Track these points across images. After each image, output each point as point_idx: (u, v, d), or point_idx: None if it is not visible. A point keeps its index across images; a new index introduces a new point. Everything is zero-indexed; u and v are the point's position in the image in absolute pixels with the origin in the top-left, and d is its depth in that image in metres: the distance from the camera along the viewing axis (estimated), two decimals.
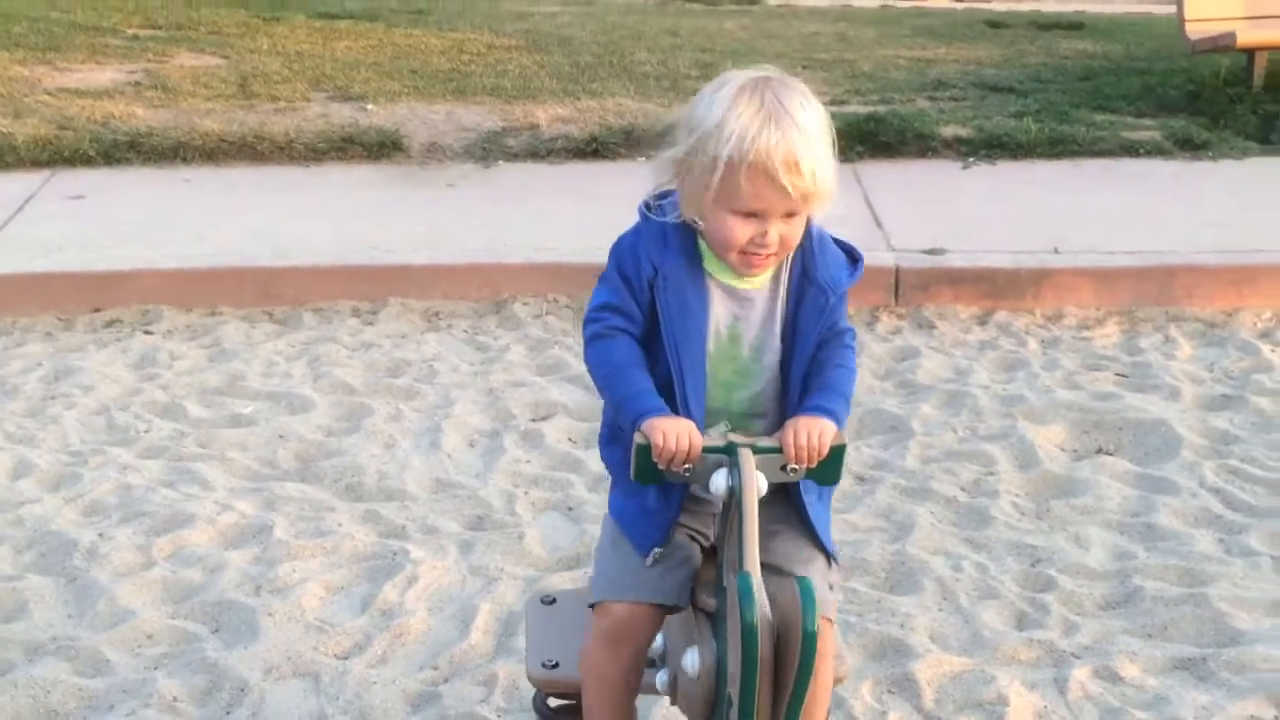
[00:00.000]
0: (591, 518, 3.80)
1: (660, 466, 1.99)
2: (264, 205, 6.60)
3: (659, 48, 10.30)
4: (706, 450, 2.00)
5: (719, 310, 2.11)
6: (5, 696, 2.98)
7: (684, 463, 1.98)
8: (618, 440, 2.17)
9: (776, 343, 2.16)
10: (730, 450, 1.99)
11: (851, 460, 4.22)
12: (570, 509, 3.91)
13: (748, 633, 1.80)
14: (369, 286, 5.65)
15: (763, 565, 1.95)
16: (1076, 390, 4.78)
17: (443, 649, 3.20)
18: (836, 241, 2.23)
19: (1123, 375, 4.96)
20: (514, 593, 3.43)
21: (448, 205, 6.68)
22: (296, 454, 4.26)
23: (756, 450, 1.99)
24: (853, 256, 2.25)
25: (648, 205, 2.15)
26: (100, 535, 3.71)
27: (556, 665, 2.29)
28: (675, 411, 2.06)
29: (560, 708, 2.43)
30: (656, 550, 2.13)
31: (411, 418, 4.53)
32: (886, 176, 7.10)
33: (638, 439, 2.02)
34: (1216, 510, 3.93)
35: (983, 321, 5.50)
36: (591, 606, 2.21)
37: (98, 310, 5.55)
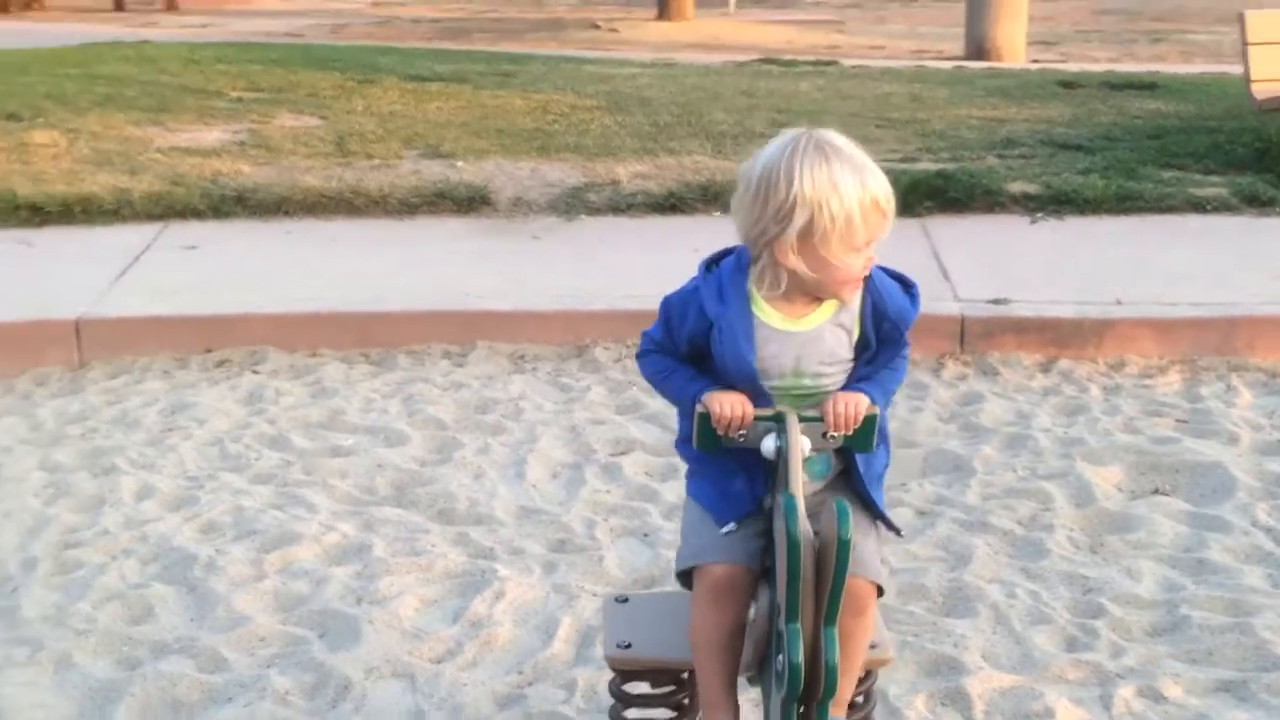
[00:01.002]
0: (666, 544, 4.06)
1: (719, 433, 2.31)
2: (361, 255, 6.99)
3: (735, 108, 10.64)
4: (758, 418, 2.35)
5: (774, 351, 2.42)
6: (136, 687, 3.31)
7: (739, 429, 2.33)
8: (689, 440, 2.47)
9: (848, 359, 2.47)
10: (779, 418, 2.32)
11: (913, 496, 4.46)
12: (646, 535, 4.18)
13: (791, 544, 2.11)
14: (459, 331, 5.99)
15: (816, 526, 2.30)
16: (1136, 434, 4.97)
17: (527, 656, 3.47)
18: (885, 270, 2.50)
19: (1183, 421, 5.14)
20: (593, 608, 3.70)
21: (532, 255, 7.03)
22: (392, 482, 4.58)
23: (801, 419, 2.31)
24: (905, 283, 2.54)
25: (707, 265, 2.47)
26: (217, 550, 4.05)
27: (629, 646, 2.57)
28: None
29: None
30: (732, 525, 2.42)
31: (499, 451, 4.84)
32: (954, 230, 7.34)
33: (698, 409, 2.36)
34: (1267, 548, 4.10)
35: (1046, 369, 5.71)
36: (679, 577, 2.52)
37: (209, 351, 5.94)
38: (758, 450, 2.36)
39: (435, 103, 10.82)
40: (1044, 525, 4.23)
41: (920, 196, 7.65)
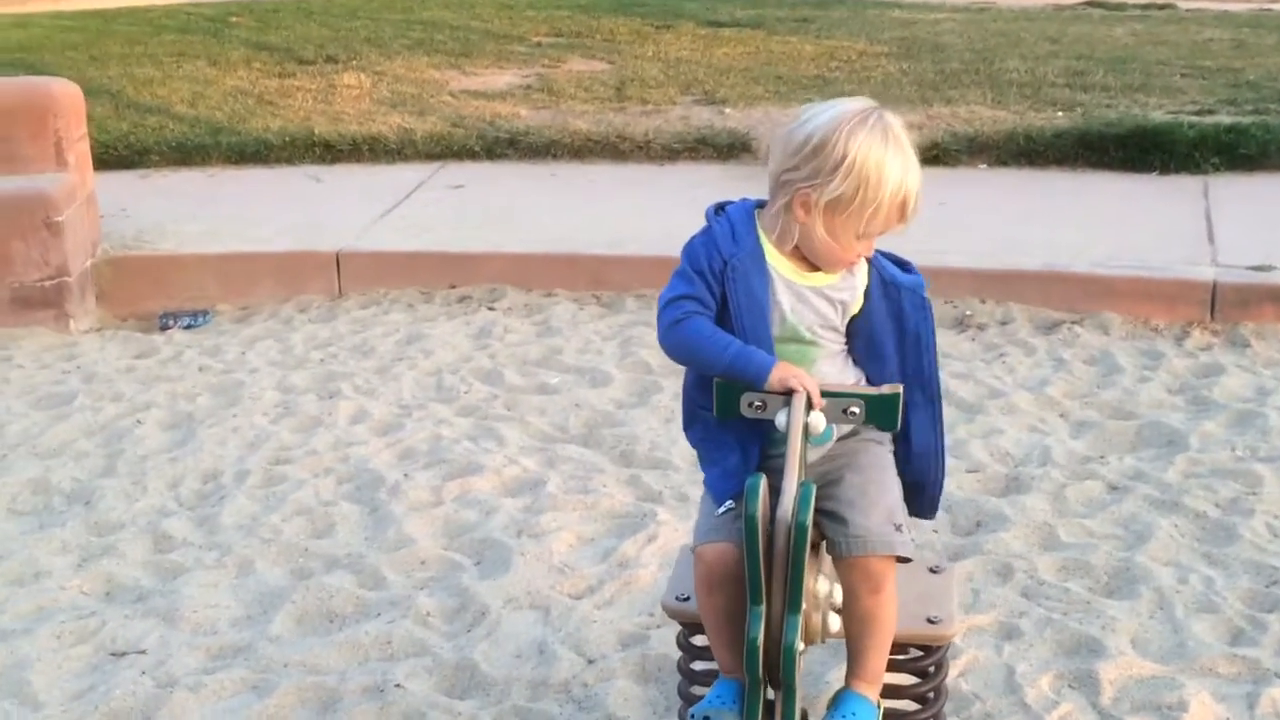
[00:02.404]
0: None
1: (742, 406, 2.28)
2: (614, 199, 7.16)
3: (1032, 55, 10.19)
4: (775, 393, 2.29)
5: (781, 299, 2.38)
6: (298, 594, 3.58)
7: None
8: (695, 420, 2.46)
9: (837, 329, 2.44)
10: (790, 393, 2.27)
11: (1109, 469, 4.24)
12: None
13: (748, 523, 2.07)
14: None
15: (821, 505, 2.28)
16: None
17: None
18: (884, 254, 2.50)
19: None
20: None
21: None
22: (585, 421, 4.72)
23: (825, 394, 2.27)
24: (902, 264, 2.51)
25: (715, 209, 2.45)
26: (405, 475, 4.30)
27: (687, 599, 2.58)
28: None
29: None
30: (729, 503, 2.39)
31: None
32: (1237, 190, 6.82)
33: (718, 380, 2.32)
34: None
35: None
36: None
37: (453, 286, 6.25)
38: (755, 425, 2.33)
39: (724, 49, 10.87)
40: (1244, 510, 3.94)
41: (1206, 152, 7.16)
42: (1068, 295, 5.77)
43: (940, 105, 8.48)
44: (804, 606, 2.22)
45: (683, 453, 4.44)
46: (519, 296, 6.11)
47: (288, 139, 8.25)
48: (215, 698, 3.16)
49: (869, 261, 2.43)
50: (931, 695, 2.58)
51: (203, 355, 5.58)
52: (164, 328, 6.06)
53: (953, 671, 3.15)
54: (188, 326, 6.08)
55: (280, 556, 3.83)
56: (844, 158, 2.27)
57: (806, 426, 2.25)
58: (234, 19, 13.06)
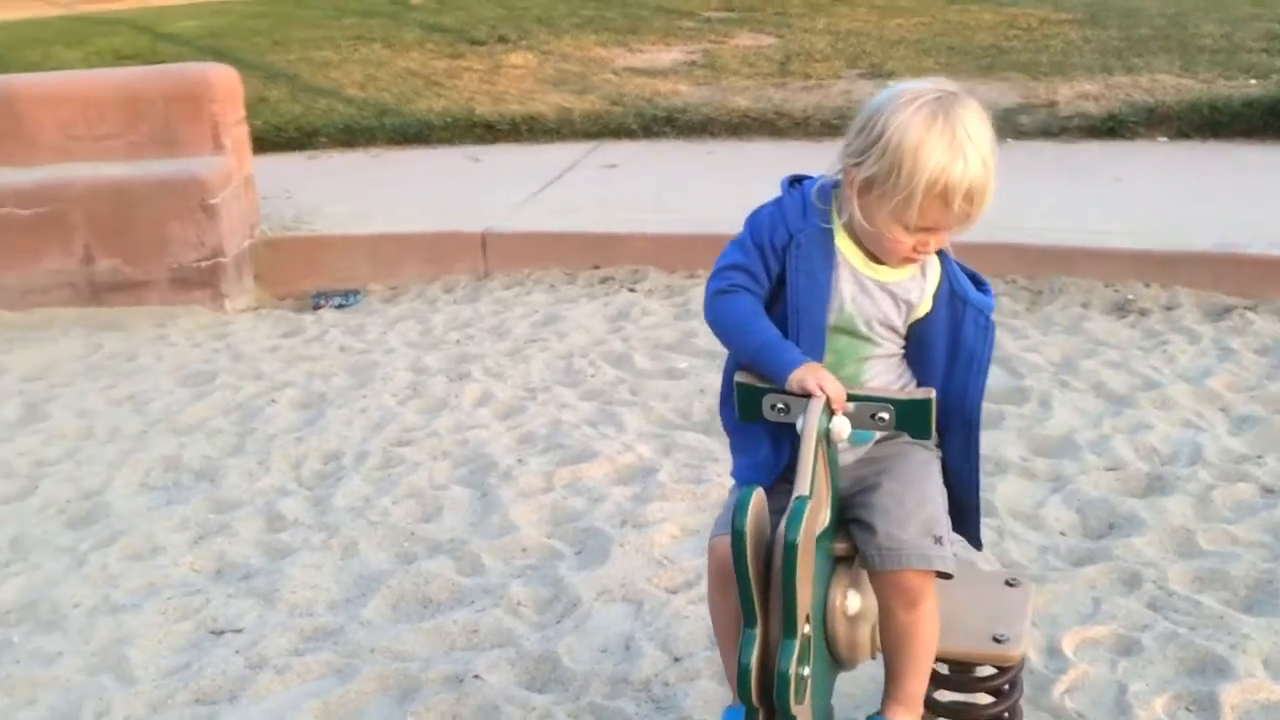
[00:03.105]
0: None
1: (764, 409, 2.13)
2: (768, 177, 6.94)
3: (1231, 19, 9.58)
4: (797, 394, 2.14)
5: (843, 286, 2.21)
6: (395, 580, 3.57)
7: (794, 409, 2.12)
8: (730, 403, 2.29)
9: (897, 330, 2.27)
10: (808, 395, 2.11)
11: (1266, 471, 3.92)
12: None
13: (735, 539, 1.91)
14: None
15: (856, 514, 2.18)
16: None
17: None
18: (961, 267, 2.32)
19: None
20: None
21: None
22: (709, 408, 4.60)
23: (851, 398, 2.11)
24: (978, 281, 2.33)
25: (791, 181, 2.27)
26: (519, 461, 4.26)
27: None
28: None
29: None
30: None
31: None
32: None
33: (739, 379, 2.18)
34: None
35: None
36: None
37: (597, 267, 6.20)
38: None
39: (898, 19, 10.54)
40: None
41: None
42: (1241, 279, 5.38)
43: (1121, 74, 8.04)
44: (831, 624, 2.07)
45: None
46: (661, 278, 6.02)
47: (450, 119, 8.33)
48: (299, 680, 3.17)
49: (943, 267, 2.27)
50: (1006, 716, 2.39)
51: (346, 335, 5.66)
52: (316, 307, 6.18)
53: (1058, 687, 2.95)
54: (339, 306, 6.18)
55: (385, 540, 3.83)
56: (880, 135, 2.10)
57: (828, 433, 2.10)
58: (414, 1, 13.29)
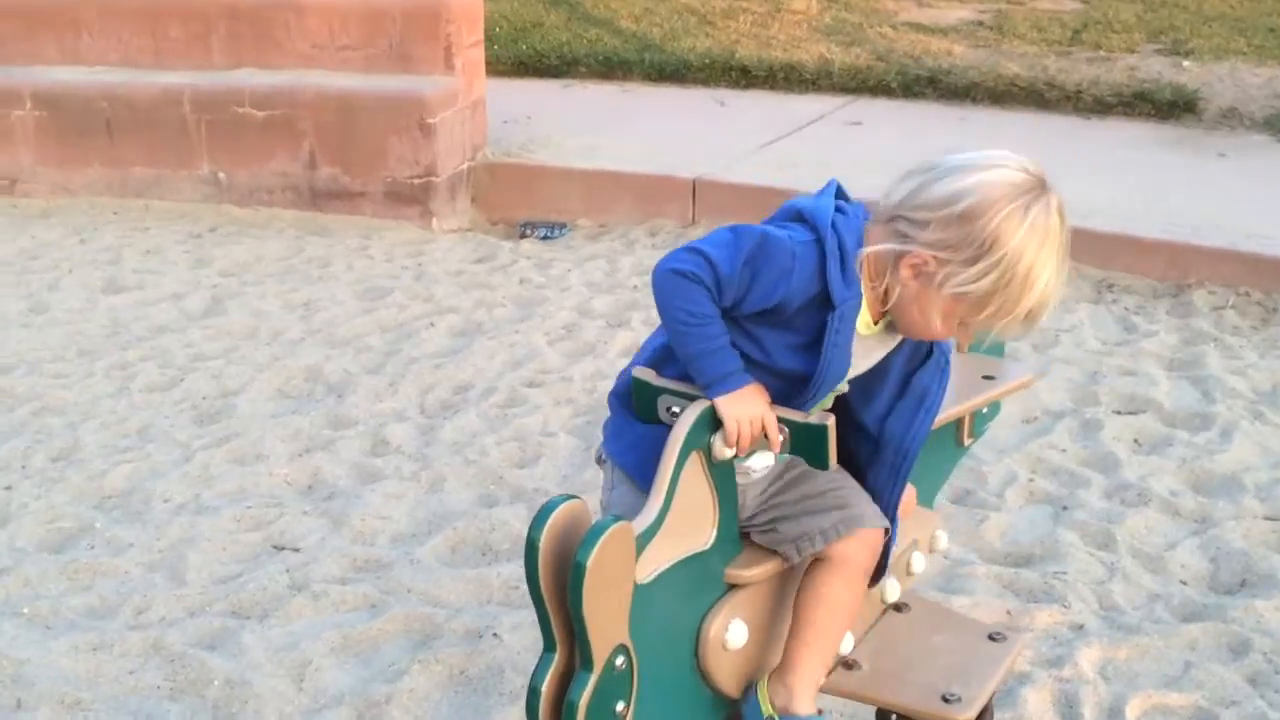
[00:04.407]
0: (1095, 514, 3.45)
1: (659, 411, 1.95)
2: (1019, 152, 6.49)
3: None
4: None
5: (855, 351, 1.99)
6: (464, 523, 3.51)
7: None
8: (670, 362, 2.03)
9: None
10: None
11: None
12: (1065, 508, 3.57)
13: (528, 551, 1.69)
14: None
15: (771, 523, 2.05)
16: None
17: None
18: None
19: None
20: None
21: (1198, 175, 6.09)
22: None
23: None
24: None
25: (828, 220, 1.94)
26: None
27: None
28: None
29: None
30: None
31: None
32: None
33: (637, 374, 1.98)
34: None
35: None
36: None
37: None
38: None
39: None
40: None
41: None
42: None
43: None
44: (704, 655, 1.87)
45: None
46: None
47: (708, 60, 8.15)
48: (332, 609, 3.16)
49: None
50: None
51: (532, 268, 5.63)
52: (522, 236, 6.18)
53: None
54: (544, 237, 6.16)
55: (474, 480, 3.78)
56: (993, 244, 1.81)
57: (709, 448, 1.87)
58: None
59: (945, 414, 2.26)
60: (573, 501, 1.73)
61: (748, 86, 7.97)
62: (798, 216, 1.97)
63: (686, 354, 1.94)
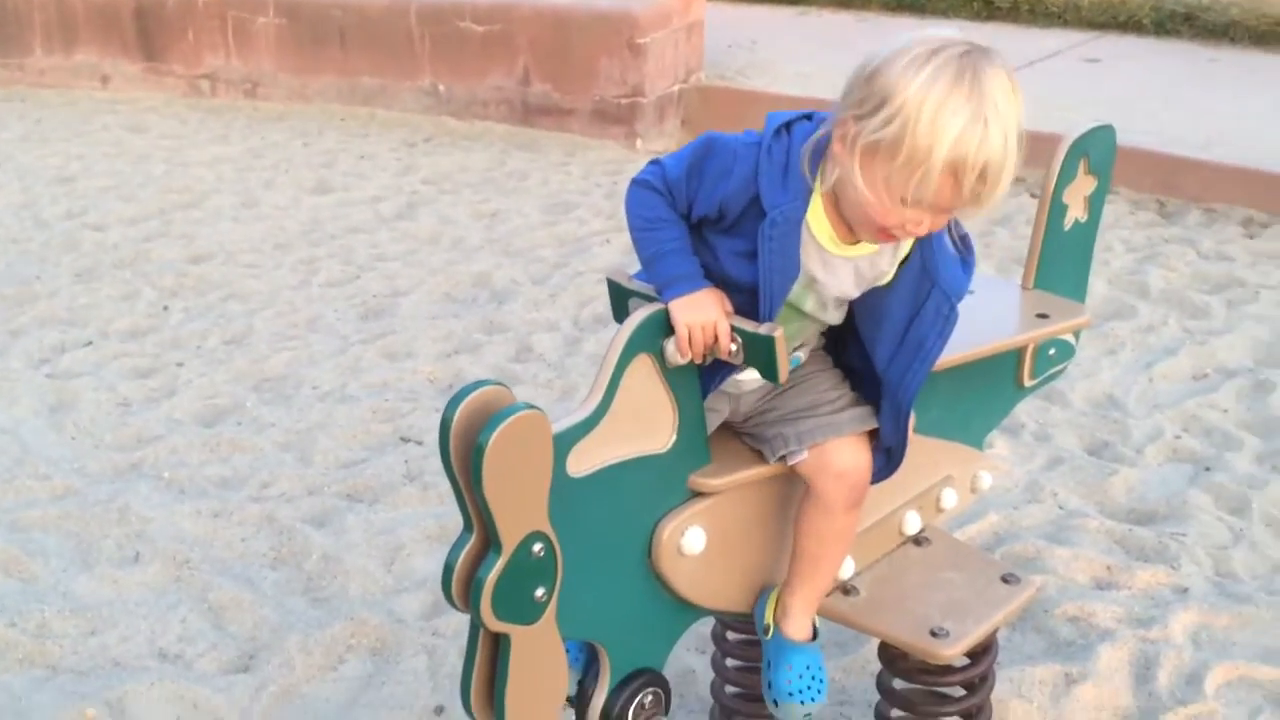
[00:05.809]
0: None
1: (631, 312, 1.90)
2: (1255, 96, 6.04)
3: None
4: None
5: (813, 269, 1.88)
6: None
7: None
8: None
9: (848, 302, 1.95)
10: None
11: None
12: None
13: (441, 426, 1.68)
14: (1268, 197, 5.06)
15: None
16: None
17: None
18: (951, 228, 1.90)
19: None
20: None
21: None
22: None
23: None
24: (964, 246, 1.93)
25: (786, 126, 1.86)
26: None
27: None
28: None
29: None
30: None
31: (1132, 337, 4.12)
32: None
33: (610, 275, 1.96)
34: None
35: None
36: None
37: None
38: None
39: None
40: None
41: None
42: None
43: None
44: (657, 558, 1.86)
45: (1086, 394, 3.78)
46: None
47: None
48: (436, 500, 3.27)
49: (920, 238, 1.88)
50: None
51: None
52: None
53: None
54: None
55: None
56: (894, 91, 1.71)
57: (662, 352, 1.84)
58: None
59: (977, 349, 2.15)
60: (494, 386, 1.74)
61: (989, 19, 7.66)
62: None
63: (643, 259, 1.92)
